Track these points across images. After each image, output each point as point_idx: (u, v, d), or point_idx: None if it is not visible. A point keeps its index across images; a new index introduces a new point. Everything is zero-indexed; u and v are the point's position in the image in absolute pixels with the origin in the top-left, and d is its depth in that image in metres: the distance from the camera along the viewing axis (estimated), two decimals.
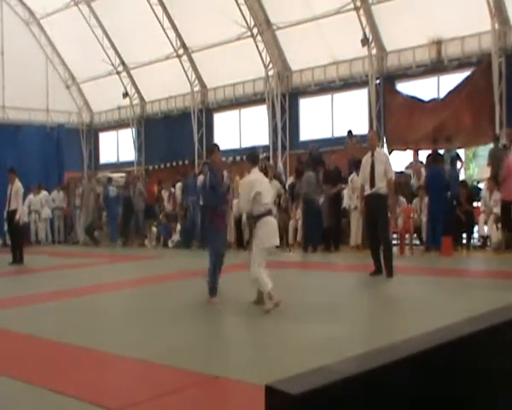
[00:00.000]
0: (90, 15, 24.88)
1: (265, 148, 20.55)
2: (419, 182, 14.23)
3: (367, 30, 18.44)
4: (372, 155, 9.46)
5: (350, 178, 14.23)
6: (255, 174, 7.42)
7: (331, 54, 19.83)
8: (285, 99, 21.37)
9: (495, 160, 13.88)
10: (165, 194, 18.45)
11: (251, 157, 7.62)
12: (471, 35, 16.99)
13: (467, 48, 17.21)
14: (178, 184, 17.74)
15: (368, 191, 9.41)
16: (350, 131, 16.86)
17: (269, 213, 7.24)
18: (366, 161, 9.56)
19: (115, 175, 22.01)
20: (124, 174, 22.05)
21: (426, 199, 13.40)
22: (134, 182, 18.67)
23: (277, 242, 7.43)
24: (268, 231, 7.15)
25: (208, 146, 7.62)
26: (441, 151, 14.69)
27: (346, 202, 14.36)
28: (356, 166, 14.14)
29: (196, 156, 23.40)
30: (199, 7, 21.07)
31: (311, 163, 15.02)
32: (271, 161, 19.26)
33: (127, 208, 18.33)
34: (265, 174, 14.64)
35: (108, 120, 28.41)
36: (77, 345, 5.56)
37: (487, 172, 14.46)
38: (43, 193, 20.20)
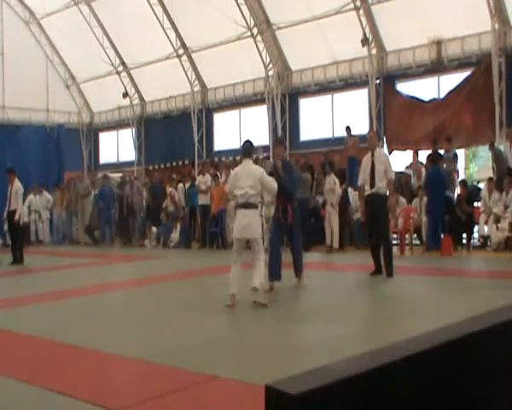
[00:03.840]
0: (89, 15, 24.88)
1: (265, 148, 20.54)
2: (419, 182, 14.25)
3: (367, 30, 18.44)
4: (372, 155, 9.47)
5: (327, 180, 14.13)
6: (239, 167, 7.59)
7: (331, 54, 19.83)
8: (285, 99, 21.37)
9: (499, 161, 13.98)
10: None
11: (242, 148, 7.82)
12: (471, 35, 16.99)
13: (467, 48, 17.21)
14: (180, 185, 17.74)
15: (368, 191, 9.41)
16: (348, 127, 16.83)
17: (243, 205, 7.24)
18: (366, 161, 9.57)
19: (114, 175, 21.99)
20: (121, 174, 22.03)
21: (425, 199, 13.40)
22: (131, 181, 18.64)
23: (244, 235, 7.26)
24: (237, 223, 7.35)
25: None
26: (441, 151, 14.72)
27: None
28: (353, 165, 14.20)
29: (196, 156, 23.41)
30: (199, 7, 21.07)
31: (307, 165, 15.09)
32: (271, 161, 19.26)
33: (123, 208, 18.31)
34: None
35: (108, 120, 28.41)
36: (77, 345, 5.55)
37: (487, 172, 14.53)
38: (45, 193, 20.26)
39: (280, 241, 8.56)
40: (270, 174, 8.12)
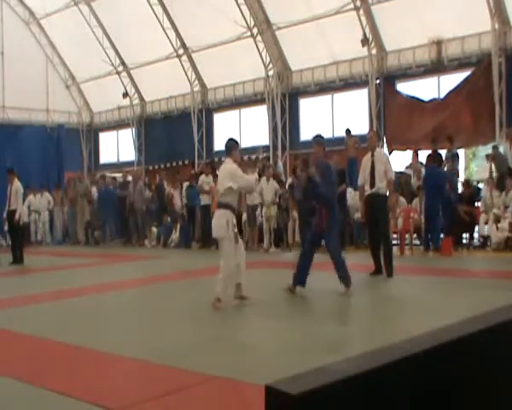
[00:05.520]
0: (90, 15, 24.88)
1: (265, 148, 20.54)
2: (419, 182, 14.25)
3: (367, 30, 18.44)
4: (372, 155, 9.47)
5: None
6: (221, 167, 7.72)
7: (331, 54, 19.83)
8: (285, 99, 21.36)
9: (499, 161, 13.99)
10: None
11: (225, 146, 7.75)
12: (471, 35, 16.99)
13: (467, 48, 17.20)
14: (186, 184, 17.74)
15: (368, 191, 9.41)
16: (348, 130, 16.87)
17: (219, 205, 7.40)
18: (366, 161, 9.57)
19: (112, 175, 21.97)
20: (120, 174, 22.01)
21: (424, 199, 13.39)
22: (136, 181, 18.62)
23: (214, 234, 7.47)
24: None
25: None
26: (441, 151, 14.71)
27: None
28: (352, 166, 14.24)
29: (196, 156, 23.40)
30: (199, 7, 21.06)
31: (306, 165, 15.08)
32: (271, 161, 19.26)
33: (124, 208, 18.30)
34: (263, 174, 14.74)
35: (108, 120, 28.41)
36: (77, 345, 5.55)
37: (487, 172, 14.52)
38: (45, 194, 20.28)
39: (312, 247, 8.16)
40: (308, 182, 8.02)
